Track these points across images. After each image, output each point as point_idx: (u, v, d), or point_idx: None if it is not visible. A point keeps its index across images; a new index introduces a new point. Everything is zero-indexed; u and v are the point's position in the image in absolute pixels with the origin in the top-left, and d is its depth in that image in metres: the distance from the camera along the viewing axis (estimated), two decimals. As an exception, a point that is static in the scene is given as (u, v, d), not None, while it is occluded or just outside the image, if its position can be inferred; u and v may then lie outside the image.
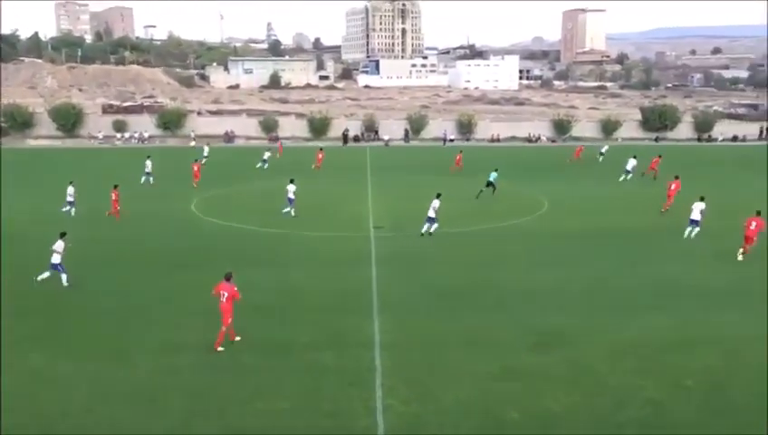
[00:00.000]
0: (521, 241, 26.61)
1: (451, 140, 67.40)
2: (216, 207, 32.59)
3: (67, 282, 19.80)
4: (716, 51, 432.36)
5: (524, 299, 19.40)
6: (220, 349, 15.49)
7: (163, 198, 34.88)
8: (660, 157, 45.48)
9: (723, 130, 75.03)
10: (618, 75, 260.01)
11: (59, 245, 20.04)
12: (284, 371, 14.61)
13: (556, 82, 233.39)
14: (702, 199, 27.56)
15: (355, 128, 71.52)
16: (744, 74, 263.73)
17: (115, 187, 30.39)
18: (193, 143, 64.67)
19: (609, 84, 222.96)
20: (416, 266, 22.56)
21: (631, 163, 43.49)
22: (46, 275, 19.97)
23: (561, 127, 72.32)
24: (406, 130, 71.02)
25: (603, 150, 55.49)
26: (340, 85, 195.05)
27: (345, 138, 68.10)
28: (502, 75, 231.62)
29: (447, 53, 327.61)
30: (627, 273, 22.26)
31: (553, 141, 71.05)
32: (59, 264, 19.90)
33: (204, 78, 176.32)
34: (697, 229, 26.91)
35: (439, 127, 72.87)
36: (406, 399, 13.39)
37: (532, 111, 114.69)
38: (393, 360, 15.09)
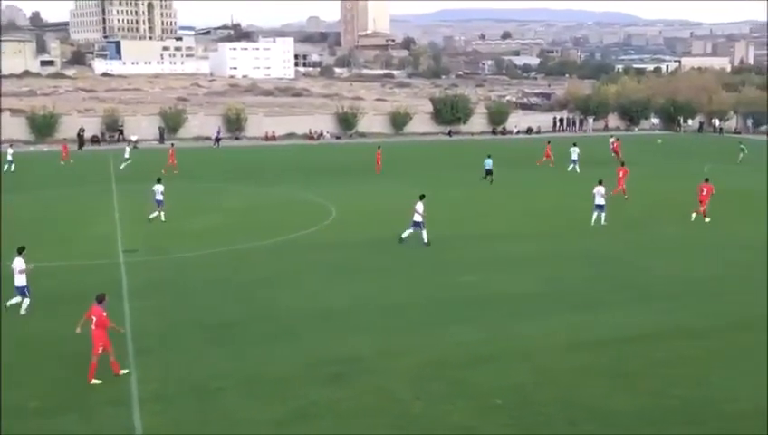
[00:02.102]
0: (307, 256, 26.96)
1: (217, 139, 66.51)
2: None
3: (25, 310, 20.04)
4: (506, 36, 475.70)
5: (315, 323, 19.65)
6: (95, 381, 15.63)
7: None
8: (549, 143, 52.16)
9: (517, 121, 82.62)
10: (405, 62, 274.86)
11: (18, 262, 20.07)
12: (9, 447, 13.29)
13: (338, 70, 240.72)
14: (600, 183, 32.19)
15: (93, 127, 67.72)
16: (535, 61, 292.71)
17: None
18: None
19: (396, 72, 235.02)
20: (181, 296, 21.85)
21: (576, 152, 49.66)
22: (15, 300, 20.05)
23: (347, 121, 74.72)
24: (160, 129, 68.79)
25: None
26: (69, 73, 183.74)
27: (81, 139, 64.16)
28: (274, 61, 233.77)
29: (207, 33, 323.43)
30: (429, 284, 23.50)
31: (338, 138, 73.17)
32: (26, 287, 20.09)
33: None
34: (603, 214, 31.85)
35: (203, 124, 71.58)
36: (175, 462, 12.83)
37: (312, 102, 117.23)
38: (157, 417, 14.43)
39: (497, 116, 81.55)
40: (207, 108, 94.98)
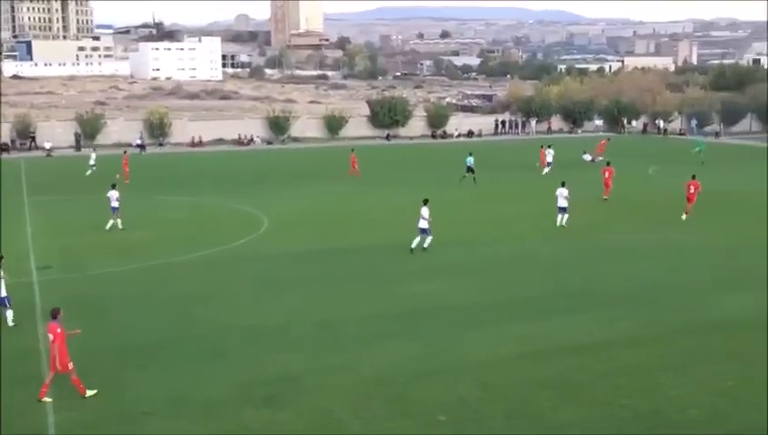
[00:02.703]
0: (237, 269, 26.75)
1: (141, 146, 65.41)
2: None
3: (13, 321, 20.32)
4: (445, 35, 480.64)
5: (246, 341, 19.50)
6: (46, 399, 15.70)
7: None
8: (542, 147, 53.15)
9: (457, 124, 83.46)
10: (340, 62, 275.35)
11: None
12: None
13: (268, 71, 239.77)
14: (563, 185, 33.69)
15: (3, 133, 65.83)
16: (475, 61, 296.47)
17: None
18: None
19: (330, 73, 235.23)
20: (100, 316, 21.42)
21: (551, 154, 51.68)
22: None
23: (279, 125, 74.39)
24: (76, 135, 67.26)
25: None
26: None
27: (-13, 147, 62.36)
28: (200, 62, 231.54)
29: (127, 32, 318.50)
30: (368, 296, 23.57)
31: (270, 143, 72.80)
32: (5, 297, 20.33)
33: None
34: (567, 216, 33.22)
35: (123, 129, 70.34)
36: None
37: (241, 106, 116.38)
38: (76, 445, 14.09)
39: (437, 119, 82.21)
40: (128, 112, 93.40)
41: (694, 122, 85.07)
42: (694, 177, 36.58)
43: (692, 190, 35.77)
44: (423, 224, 28.52)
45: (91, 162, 50.56)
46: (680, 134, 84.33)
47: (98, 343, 19.18)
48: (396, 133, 78.99)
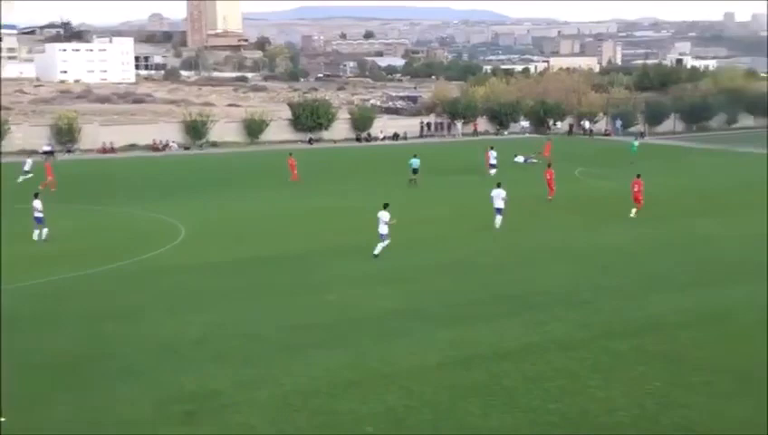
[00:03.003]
0: (153, 281, 26.31)
1: (50, 153, 63.67)
2: None
3: None
4: (369, 35, 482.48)
5: (164, 356, 19.17)
6: None
7: None
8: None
9: (382, 126, 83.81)
10: (260, 64, 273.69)
11: None
12: None
13: (184, 73, 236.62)
14: (499, 186, 34.57)
15: None
16: (399, 62, 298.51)
17: None
18: None
19: (250, 75, 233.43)
20: (9, 335, 20.71)
21: (493, 156, 52.29)
22: None
23: (196, 130, 73.44)
24: (-24, 142, 65.07)
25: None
26: None
27: None
28: (111, 63, 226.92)
29: (32, 32, 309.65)
30: (289, 306, 23.45)
31: (187, 148, 71.79)
32: None
33: None
34: (500, 217, 34.03)
35: (28, 135, 68.36)
36: None
37: (155, 109, 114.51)
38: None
39: (361, 121, 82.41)
40: (33, 117, 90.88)
41: (619, 123, 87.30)
42: (639, 176, 37.80)
43: (636, 189, 37.15)
44: (382, 229, 28.74)
45: (26, 168, 49.93)
46: (605, 135, 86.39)
47: (5, 364, 18.57)
48: (319, 137, 78.89)
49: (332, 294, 24.64)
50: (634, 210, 36.81)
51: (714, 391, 16.94)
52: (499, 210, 34.34)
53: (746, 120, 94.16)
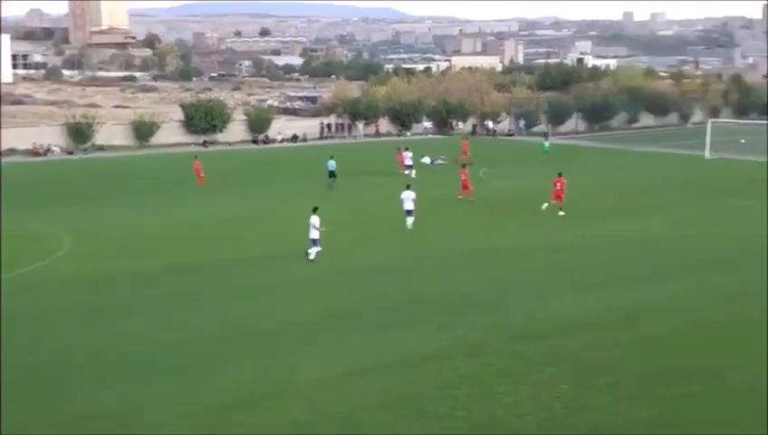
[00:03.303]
0: (36, 297, 25.43)
1: None
2: None
3: None
4: (265, 32, 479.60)
5: (55, 375, 18.62)
6: None
7: None
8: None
9: (280, 127, 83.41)
10: (149, 63, 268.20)
11: None
12: None
13: (67, 72, 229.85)
14: (408, 187, 35.71)
15: None
16: (297, 61, 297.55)
17: None
18: None
19: (138, 75, 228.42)
20: None
21: (408, 157, 53.19)
22: None
23: (80, 133, 71.33)
24: None
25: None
26: None
27: None
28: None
29: None
30: (195, 318, 23.12)
31: (70, 153, 69.71)
32: None
33: None
34: (412, 219, 34.89)
35: None
36: None
37: (36, 111, 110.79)
38: None
39: (258, 123, 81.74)
40: None
41: (522, 123, 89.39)
42: (560, 174, 39.40)
43: (558, 187, 38.81)
44: (314, 234, 29.08)
45: None
46: (509, 135, 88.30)
47: None
48: (213, 139, 77.83)
49: (242, 304, 24.38)
50: (561, 211, 38.46)
51: (620, 393, 17.51)
52: (409, 212, 35.12)
53: (647, 120, 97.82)
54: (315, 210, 29.39)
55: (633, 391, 17.61)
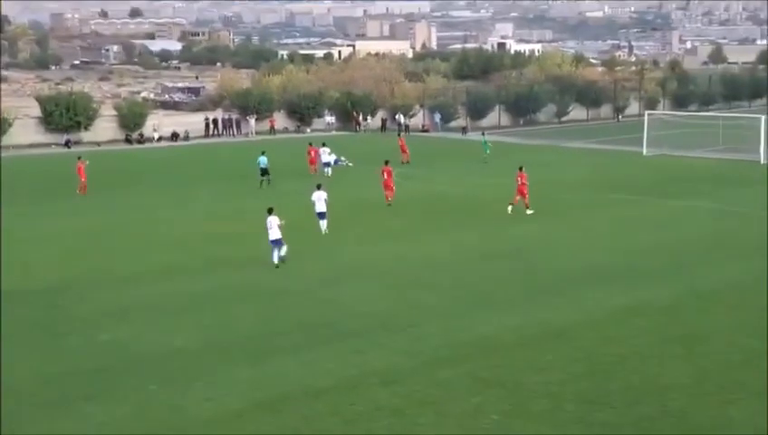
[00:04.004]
0: None
1: None
2: None
3: None
4: (136, 13, 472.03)
5: None
6: None
7: None
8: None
9: (158, 124, 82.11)
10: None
11: None
12: None
13: None
14: (319, 187, 36.49)
15: None
16: (176, 46, 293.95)
17: None
18: None
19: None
20: None
21: (327, 152, 55.50)
22: None
23: None
24: None
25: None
26: None
27: None
28: None
29: None
30: (51, 350, 22.63)
31: None
32: None
33: None
34: (326, 222, 36.38)
35: None
36: None
37: None
38: None
39: (131, 119, 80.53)
40: None
41: (438, 117, 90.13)
42: (521, 168, 41.11)
43: (521, 182, 40.48)
44: (275, 234, 30.86)
45: None
46: (423, 130, 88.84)
47: None
48: (78, 138, 76.30)
49: (106, 333, 23.89)
50: (528, 210, 40.18)
51: (557, 420, 17.79)
52: (322, 215, 36.32)
53: (578, 112, 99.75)
54: (271, 211, 31.13)
55: (572, 417, 17.88)
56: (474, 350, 22.13)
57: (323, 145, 56.71)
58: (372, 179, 46.27)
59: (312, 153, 55.85)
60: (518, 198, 40.51)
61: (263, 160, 51.12)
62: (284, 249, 31.19)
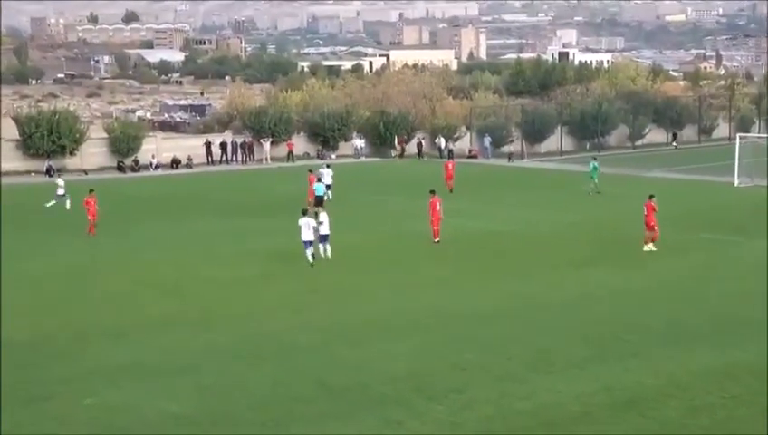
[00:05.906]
0: None
1: None
2: None
3: None
4: (132, 18, 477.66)
5: None
6: None
7: None
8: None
9: (156, 149, 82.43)
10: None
11: None
12: None
13: None
14: (305, 213, 38.74)
15: None
16: (178, 57, 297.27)
17: None
18: None
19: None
20: None
21: (329, 174, 58.00)
22: None
23: None
24: None
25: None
26: None
27: None
28: None
29: None
30: (36, 415, 22.59)
31: None
32: None
33: None
34: (329, 246, 38.74)
35: None
36: None
37: None
38: None
39: (125, 142, 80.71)
40: None
41: (488, 140, 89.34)
42: (651, 197, 43.28)
43: (646, 213, 42.29)
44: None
45: (60, 191, 55.72)
46: (470, 156, 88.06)
47: None
48: (62, 165, 76.77)
49: (91, 397, 23.86)
50: (651, 244, 41.68)
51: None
52: (324, 238, 38.55)
53: (655, 135, 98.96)
54: (305, 213, 37.03)
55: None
56: (532, 421, 21.81)
57: (327, 166, 59.63)
58: (409, 212, 46.18)
59: (312, 182, 55.74)
60: (647, 232, 42.01)
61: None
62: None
